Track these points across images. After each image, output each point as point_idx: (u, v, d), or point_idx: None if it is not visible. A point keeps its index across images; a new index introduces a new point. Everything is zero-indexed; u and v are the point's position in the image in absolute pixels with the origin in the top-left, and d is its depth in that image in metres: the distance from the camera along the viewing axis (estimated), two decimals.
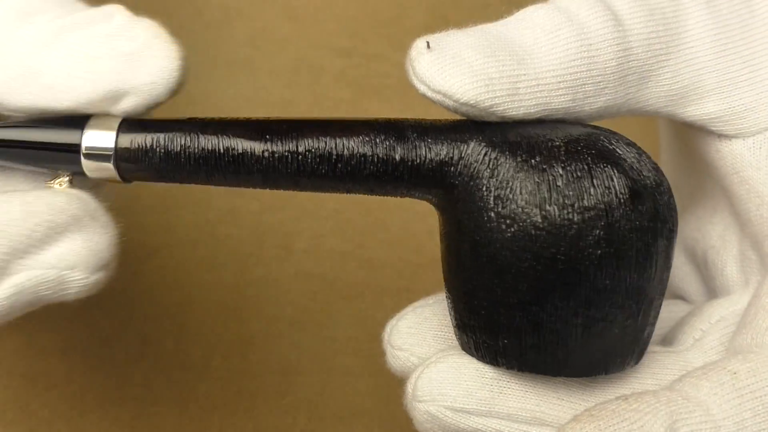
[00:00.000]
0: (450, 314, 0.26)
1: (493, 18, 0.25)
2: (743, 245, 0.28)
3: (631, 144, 0.26)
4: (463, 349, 0.26)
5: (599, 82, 0.25)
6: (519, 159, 0.24)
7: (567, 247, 0.23)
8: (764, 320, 0.25)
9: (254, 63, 0.49)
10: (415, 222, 0.40)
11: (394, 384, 0.39)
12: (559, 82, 0.25)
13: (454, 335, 0.26)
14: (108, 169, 0.26)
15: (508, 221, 0.24)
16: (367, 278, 0.39)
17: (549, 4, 0.26)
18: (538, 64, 0.25)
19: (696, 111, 0.27)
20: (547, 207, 0.24)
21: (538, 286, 0.24)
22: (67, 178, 0.27)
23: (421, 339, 0.26)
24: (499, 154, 0.25)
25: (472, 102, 0.24)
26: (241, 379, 0.38)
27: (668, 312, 0.30)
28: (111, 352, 0.38)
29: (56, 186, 0.27)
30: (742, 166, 0.27)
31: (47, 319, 0.39)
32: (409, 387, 0.25)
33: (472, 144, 0.25)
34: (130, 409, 0.37)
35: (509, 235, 0.24)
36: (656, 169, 0.26)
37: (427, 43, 0.24)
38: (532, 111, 0.25)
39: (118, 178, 0.27)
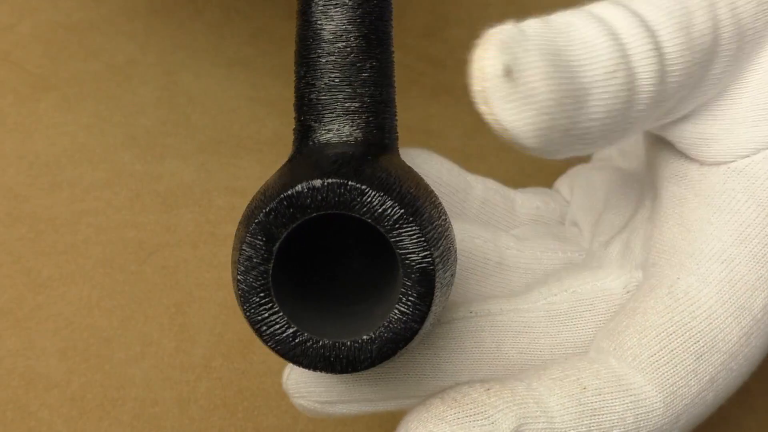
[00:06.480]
0: None
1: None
2: (633, 235, 0.30)
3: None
4: None
5: (626, 129, 0.25)
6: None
7: None
8: (631, 337, 0.27)
9: (254, 63, 0.49)
10: None
11: None
12: (600, 131, 0.24)
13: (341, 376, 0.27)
14: None
15: None
16: None
17: (602, 26, 0.24)
18: (588, 115, 0.24)
19: (673, 133, 0.28)
20: None
21: None
22: None
23: (315, 385, 0.28)
24: None
25: (529, 146, 0.23)
26: (241, 379, 0.38)
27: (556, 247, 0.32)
28: (111, 352, 0.38)
29: None
30: (689, 185, 0.28)
31: (47, 319, 0.39)
32: (284, 386, 0.28)
33: None
34: (130, 409, 0.37)
35: None
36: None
37: (507, 67, 0.22)
38: (567, 153, 0.24)
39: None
